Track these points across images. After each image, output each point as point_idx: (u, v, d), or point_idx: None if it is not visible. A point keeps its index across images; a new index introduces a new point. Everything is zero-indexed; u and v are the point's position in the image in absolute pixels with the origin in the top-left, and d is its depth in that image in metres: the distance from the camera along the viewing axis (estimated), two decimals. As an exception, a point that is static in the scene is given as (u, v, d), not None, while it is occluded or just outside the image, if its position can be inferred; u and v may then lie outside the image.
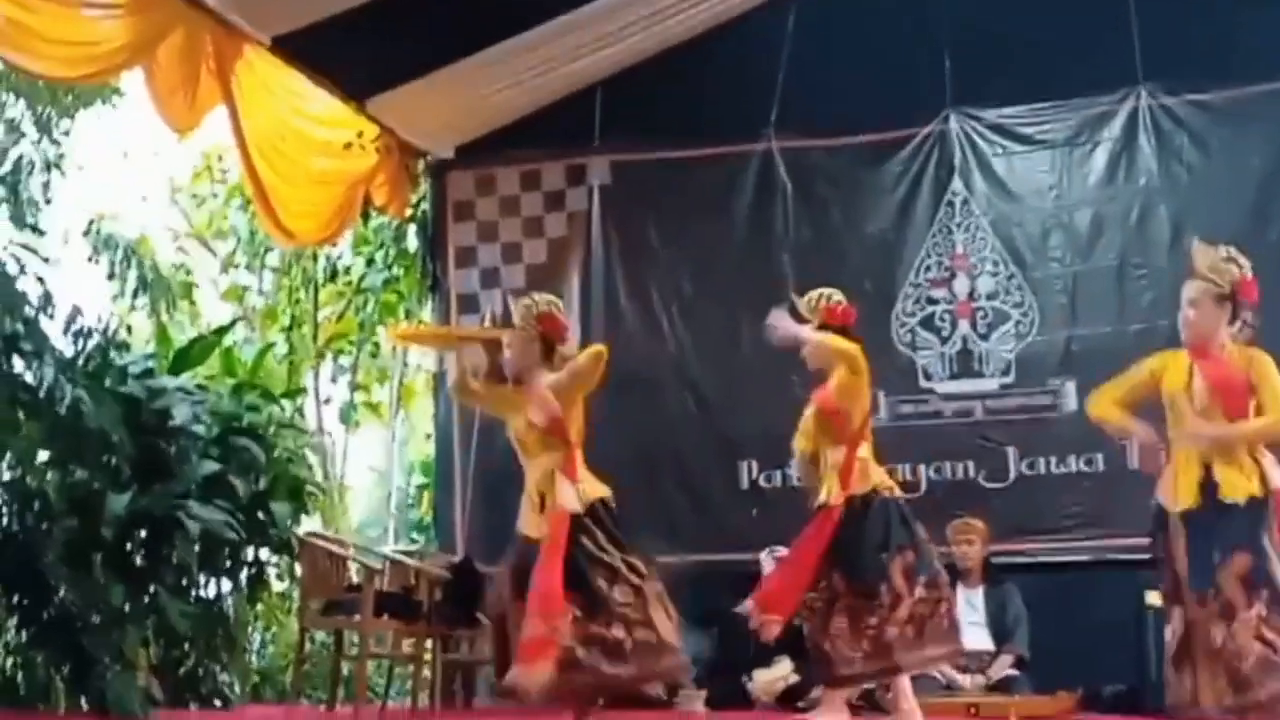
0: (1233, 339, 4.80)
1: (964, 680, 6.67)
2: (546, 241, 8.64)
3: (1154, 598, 6.30)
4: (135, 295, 9.39)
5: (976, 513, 6.99)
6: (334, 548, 7.04)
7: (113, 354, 6.60)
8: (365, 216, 8.93)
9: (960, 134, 7.82)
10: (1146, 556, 6.70)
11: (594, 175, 8.56)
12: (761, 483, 7.79)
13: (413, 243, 9.53)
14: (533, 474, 5.31)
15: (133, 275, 9.30)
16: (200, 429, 6.79)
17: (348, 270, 10.28)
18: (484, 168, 8.79)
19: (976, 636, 6.83)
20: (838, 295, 5.48)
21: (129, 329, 8.90)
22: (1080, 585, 7.05)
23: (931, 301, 7.76)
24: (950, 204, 7.80)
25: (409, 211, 9.13)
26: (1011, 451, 7.42)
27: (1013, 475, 7.41)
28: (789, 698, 6.58)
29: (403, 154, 8.52)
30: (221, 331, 8.56)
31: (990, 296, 7.65)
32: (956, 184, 7.80)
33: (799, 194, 8.08)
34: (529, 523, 5.27)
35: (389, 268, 9.99)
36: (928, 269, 7.80)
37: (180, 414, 6.60)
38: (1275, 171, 7.27)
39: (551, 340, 5.42)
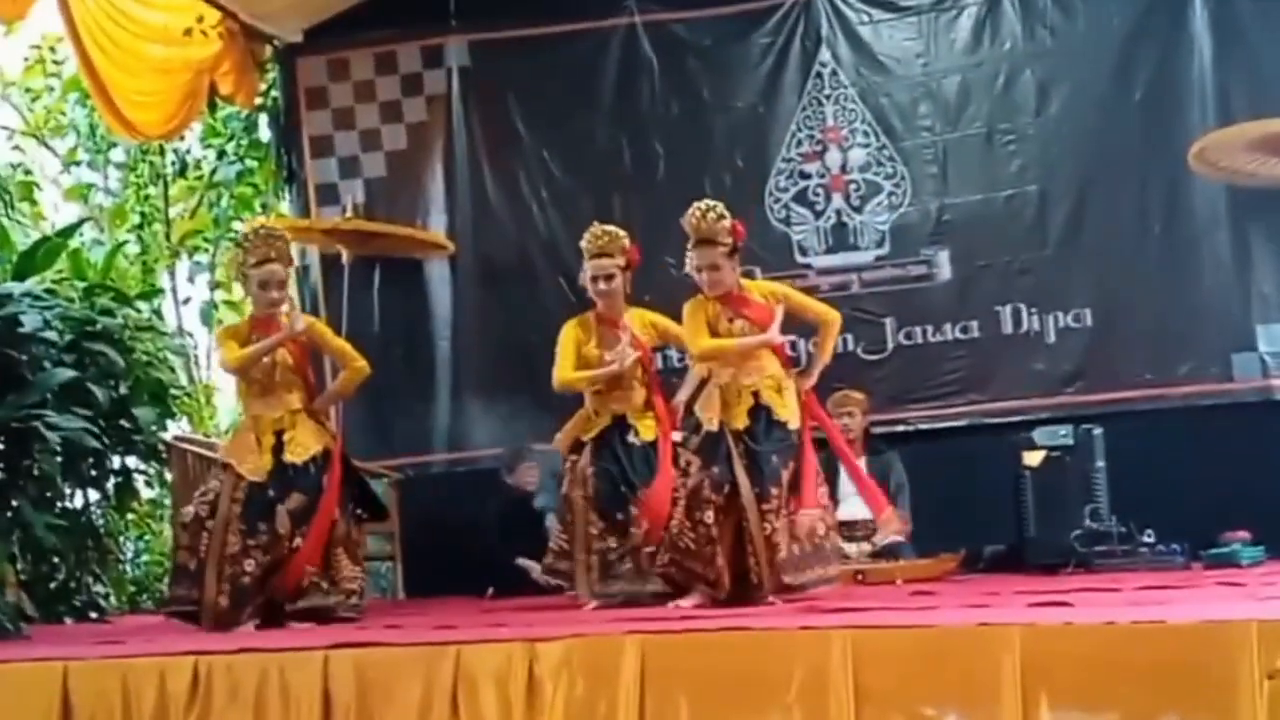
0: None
1: (850, 548, 6.74)
2: (405, 127, 8.37)
3: (1030, 458, 6.46)
4: (-30, 198, 8.87)
5: (856, 385, 7.01)
6: (203, 451, 6.83)
7: (-49, 261, 6.25)
8: (213, 107, 8.54)
9: (826, 2, 7.70)
10: (1020, 419, 6.97)
11: (452, 56, 8.29)
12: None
13: (265, 133, 9.18)
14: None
15: (-35, 177, 8.79)
16: (52, 335, 6.50)
17: (198, 164, 9.89)
18: (335, 51, 8.44)
19: (860, 506, 6.88)
20: (721, 207, 5.29)
21: (-34, 234, 8.42)
22: (959, 450, 7.15)
23: (804, 176, 7.69)
24: (819, 75, 7.71)
25: (259, 100, 8.77)
26: (889, 322, 7.46)
27: (890, 346, 7.46)
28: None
29: (248, 39, 8.11)
30: (67, 233, 8.13)
31: (862, 169, 7.61)
32: (824, 54, 7.70)
33: (665, 70, 7.91)
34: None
35: (241, 160, 9.63)
36: (799, 143, 7.72)
37: (29, 321, 6.31)
38: (1136, 32, 7.29)
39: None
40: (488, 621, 4.78)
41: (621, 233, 5.67)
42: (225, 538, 5.19)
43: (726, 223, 5.06)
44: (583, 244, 5.67)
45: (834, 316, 5.31)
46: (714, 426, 4.96)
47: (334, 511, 5.36)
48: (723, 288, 5.06)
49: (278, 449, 5.31)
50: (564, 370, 5.61)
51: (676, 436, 5.25)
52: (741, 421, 4.98)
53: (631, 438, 5.58)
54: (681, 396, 5.66)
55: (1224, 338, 7.00)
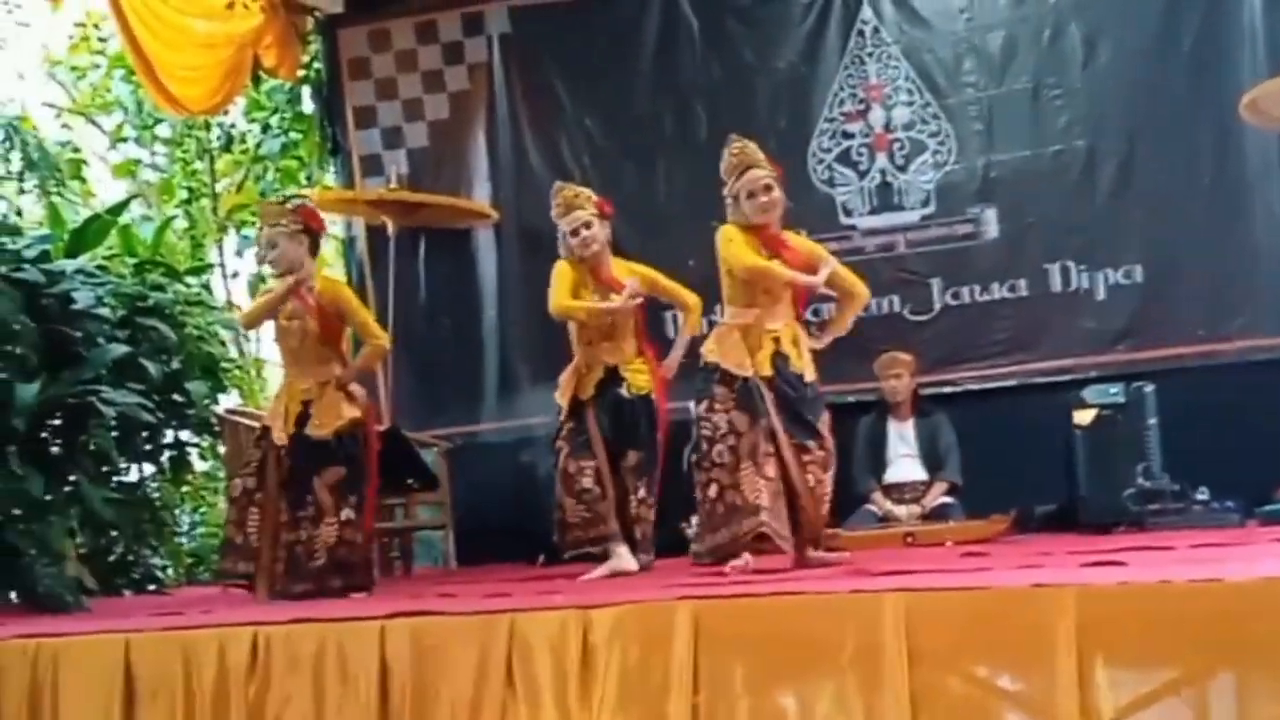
0: None
1: (900, 510, 6.75)
2: (448, 96, 8.38)
3: (1081, 417, 6.41)
4: (21, 177, 8.98)
5: (903, 346, 6.99)
6: (256, 423, 6.88)
7: (4, 239, 6.31)
8: (256, 81, 8.59)
9: (866, -41, 7.62)
10: (1071, 378, 6.91)
11: (492, 24, 8.29)
12: (686, 334, 7.70)
13: (308, 105, 9.22)
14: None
15: (16, 156, 8.89)
16: (105, 311, 6.57)
17: (243, 138, 9.94)
18: (376, 22, 8.46)
19: (910, 468, 6.93)
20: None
21: (19, 212, 8.55)
22: (1008, 410, 7.09)
23: (847, 136, 7.62)
24: (861, 33, 7.62)
25: (301, 73, 8.81)
26: (935, 283, 7.38)
27: (937, 307, 7.38)
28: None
29: (289, 11, 8.16)
30: (117, 209, 8.22)
31: (906, 127, 7.53)
32: (866, 11, 7.61)
33: (705, 31, 7.86)
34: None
35: (285, 133, 9.69)
36: (841, 102, 7.65)
37: (82, 298, 6.37)
38: (1184, -20, 7.16)
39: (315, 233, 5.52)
40: (541, 589, 4.80)
41: (585, 189, 5.68)
42: (279, 505, 5.27)
43: (761, 156, 5.03)
44: (552, 213, 5.66)
45: (863, 290, 5.20)
46: (748, 372, 4.80)
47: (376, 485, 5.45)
48: (776, 211, 4.98)
49: (302, 419, 5.35)
50: (562, 296, 5.50)
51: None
52: (767, 368, 4.85)
53: (624, 391, 5.58)
54: (673, 360, 5.65)
55: (1277, 291, 6.88)
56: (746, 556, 4.69)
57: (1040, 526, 6.49)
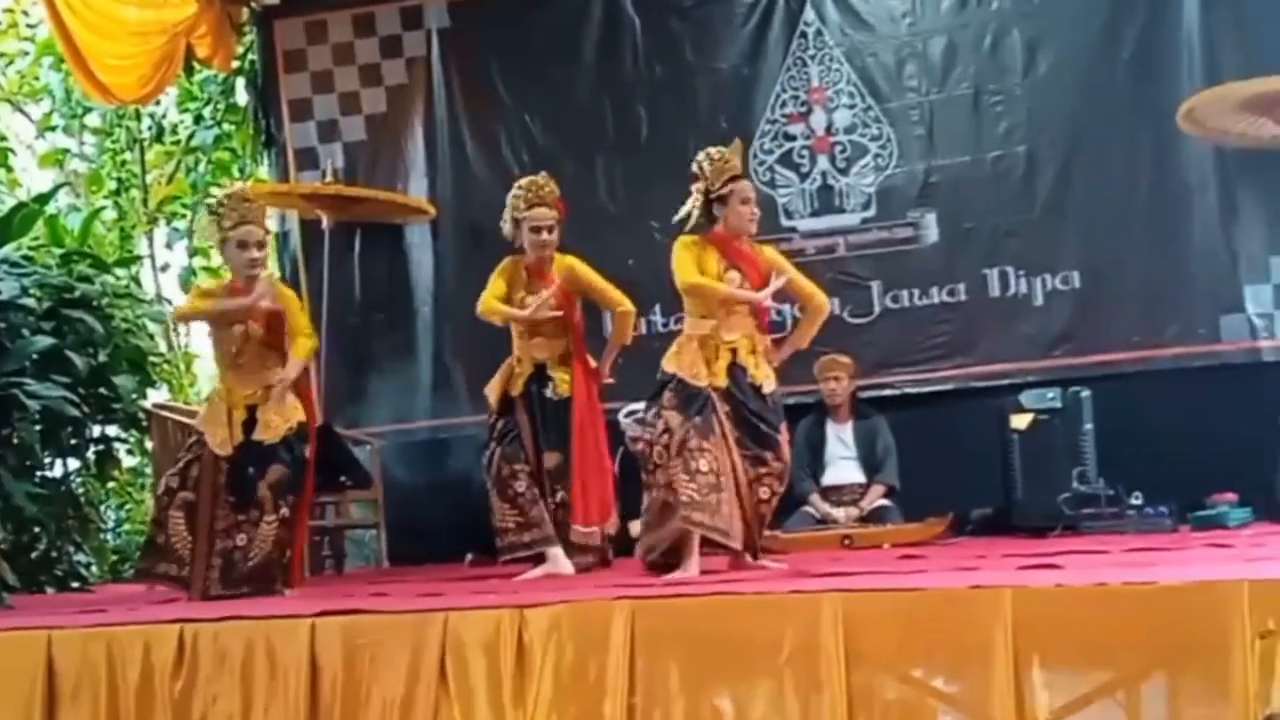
0: None
1: (838, 513, 6.74)
2: (385, 90, 8.30)
3: (1017, 421, 6.45)
4: (-56, 165, 8.77)
5: (842, 349, 6.98)
6: (184, 419, 6.76)
7: (-74, 228, 6.17)
8: (189, 71, 8.43)
9: (809, -38, 7.61)
10: (1008, 383, 6.95)
11: (431, 18, 8.22)
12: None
13: (242, 97, 9.08)
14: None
15: (-62, 143, 8.68)
16: (30, 302, 6.44)
17: (175, 129, 9.77)
18: (313, 14, 8.37)
19: (848, 470, 6.92)
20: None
21: (-59, 201, 8.34)
22: (946, 414, 7.11)
23: (789, 138, 7.62)
24: (804, 35, 7.62)
25: (236, 64, 8.68)
26: (875, 286, 7.39)
27: (877, 310, 7.39)
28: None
29: (224, 2, 8.03)
30: (44, 199, 8.04)
31: (848, 130, 7.54)
32: (809, 14, 7.61)
33: (648, 30, 7.83)
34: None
35: (219, 124, 9.54)
36: (783, 104, 7.64)
37: (7, 288, 6.26)
38: (1124, -11, 7.22)
39: None
40: (474, 588, 4.74)
41: (552, 183, 5.59)
42: (214, 512, 5.14)
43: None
44: (515, 195, 5.55)
45: (821, 302, 5.17)
46: (703, 383, 4.80)
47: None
48: (752, 228, 4.99)
49: (249, 425, 5.22)
50: (488, 300, 5.48)
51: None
52: (723, 379, 4.85)
53: (549, 391, 5.53)
54: (605, 365, 5.62)
55: (1212, 299, 6.94)
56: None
57: (976, 530, 6.53)
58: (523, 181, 5.61)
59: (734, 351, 4.89)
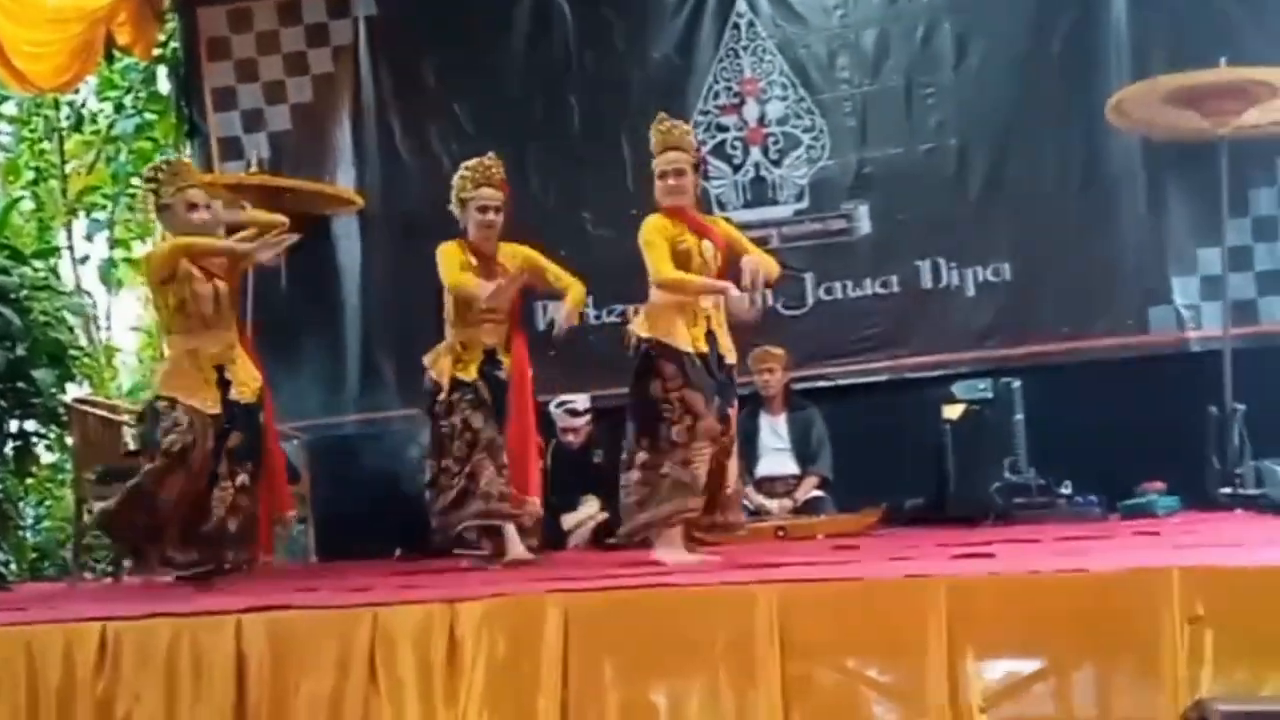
0: None
1: (771, 504, 6.73)
2: (311, 79, 8.19)
3: (949, 412, 6.47)
4: None
5: (775, 340, 6.96)
6: (106, 413, 6.61)
7: None
8: (109, 59, 8.26)
9: (742, -49, 7.59)
10: (940, 374, 6.98)
11: (358, 6, 8.13)
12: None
13: (164, 85, 8.91)
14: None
15: None
16: (-56, 294, 6.24)
17: (95, 118, 9.58)
18: (236, 1, 8.22)
19: (781, 462, 6.92)
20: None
21: None
22: (879, 405, 7.13)
23: (721, 129, 7.60)
24: (736, 26, 7.60)
25: (157, 52, 8.52)
26: (808, 278, 7.39)
27: (810, 301, 7.40)
28: (600, 536, 6.50)
29: (145, -12, 7.85)
30: (-42, 189, 7.85)
31: (780, 122, 7.54)
32: (741, 5, 7.60)
33: (579, 19, 7.80)
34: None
35: (140, 113, 9.36)
36: (716, 95, 7.62)
37: (-81, 279, 6.04)
38: (1055, -17, 7.27)
39: None
40: (404, 583, 4.67)
41: (498, 163, 5.52)
42: (202, 478, 5.02)
43: (691, 138, 5.03)
44: (463, 175, 5.48)
45: (773, 266, 5.05)
46: (689, 348, 4.75)
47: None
48: (685, 197, 4.94)
49: (222, 385, 5.12)
50: (459, 274, 5.32)
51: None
52: (703, 344, 4.81)
53: (501, 374, 5.46)
54: (559, 337, 5.51)
55: (1140, 291, 7.02)
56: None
57: (909, 520, 6.54)
58: (470, 162, 5.53)
59: (708, 319, 4.88)
